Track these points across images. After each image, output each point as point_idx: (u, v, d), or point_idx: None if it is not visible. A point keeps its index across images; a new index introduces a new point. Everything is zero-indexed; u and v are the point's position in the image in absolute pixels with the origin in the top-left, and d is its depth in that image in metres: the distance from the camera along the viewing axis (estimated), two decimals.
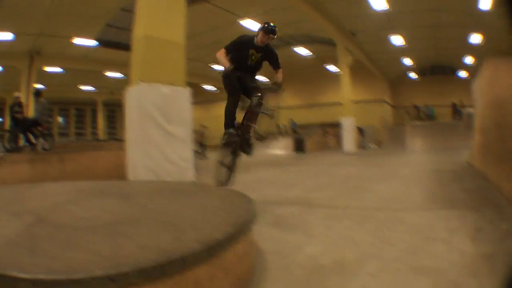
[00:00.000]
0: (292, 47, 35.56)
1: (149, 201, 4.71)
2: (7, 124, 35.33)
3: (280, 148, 30.34)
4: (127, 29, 24.57)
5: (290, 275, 3.85)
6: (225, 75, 7.16)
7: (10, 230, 3.35)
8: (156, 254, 2.66)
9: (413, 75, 42.56)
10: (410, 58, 36.92)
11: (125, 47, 26.21)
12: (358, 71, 31.08)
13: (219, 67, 35.65)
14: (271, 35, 7.15)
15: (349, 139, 28.66)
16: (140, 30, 9.55)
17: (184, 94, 9.60)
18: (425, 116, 40.90)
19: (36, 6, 21.41)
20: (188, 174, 9.23)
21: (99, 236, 3.15)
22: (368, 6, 23.84)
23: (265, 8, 25.73)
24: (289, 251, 4.47)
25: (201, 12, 21.74)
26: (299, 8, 24.28)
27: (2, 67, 30.43)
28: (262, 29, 7.14)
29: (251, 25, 28.27)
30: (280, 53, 24.46)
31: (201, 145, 27.39)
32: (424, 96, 41.37)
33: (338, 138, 30.40)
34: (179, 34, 9.84)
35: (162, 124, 8.92)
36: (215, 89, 42.74)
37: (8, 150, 12.92)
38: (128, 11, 23.04)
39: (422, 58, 36.41)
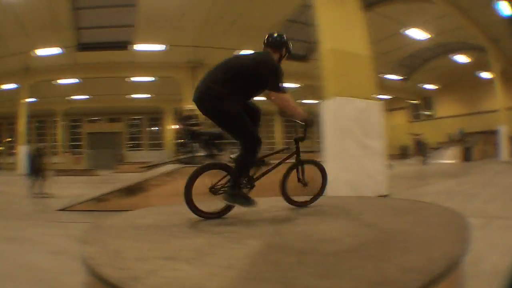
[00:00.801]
0: (450, 55, 33.02)
1: (378, 220, 4.29)
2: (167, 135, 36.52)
3: (450, 158, 28.75)
4: (297, 39, 24.70)
5: (481, 282, 4.05)
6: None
7: (239, 260, 2.90)
8: (420, 276, 2.39)
9: None
10: None
11: (297, 57, 26.82)
12: (509, 77, 28.59)
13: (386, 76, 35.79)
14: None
15: (505, 147, 27.01)
16: (326, 44, 9.25)
17: (377, 107, 9.25)
18: None
19: (192, 19, 22.00)
20: (382, 187, 8.74)
21: (354, 260, 2.78)
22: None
23: (430, 16, 24.64)
24: (477, 261, 4.63)
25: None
26: (453, 16, 23.08)
27: (156, 77, 31.15)
28: (290, 50, 5.28)
29: (416, 34, 27.36)
30: (439, 62, 23.29)
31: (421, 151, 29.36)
32: None
33: (494, 146, 28.79)
34: (364, 47, 9.49)
35: (360, 137, 8.59)
36: (390, 97, 41.16)
37: (183, 163, 12.44)
38: (295, 21, 23.20)
39: None
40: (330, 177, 8.22)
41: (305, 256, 2.88)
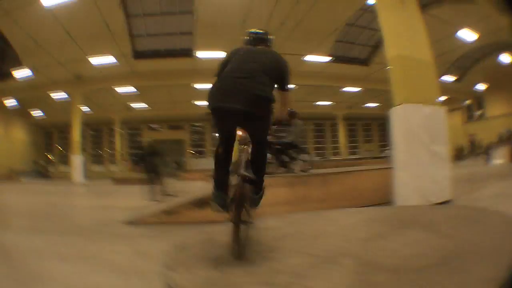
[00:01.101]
0: (498, 54, 32.57)
1: (450, 231, 4.46)
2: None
3: (499, 158, 28.11)
4: (357, 43, 25.21)
5: None
6: None
7: (337, 280, 3.04)
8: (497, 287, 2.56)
9: None
10: None
11: (359, 61, 26.96)
12: None
13: None
14: None
15: None
16: (392, 50, 9.31)
17: (442, 112, 9.26)
18: None
19: (253, 26, 20.92)
20: (447, 192, 8.71)
21: (441, 275, 3.00)
22: None
23: (478, 16, 23.68)
24: None
25: None
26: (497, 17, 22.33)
27: None
28: None
29: (466, 35, 26.68)
30: (488, 62, 23.41)
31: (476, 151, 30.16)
32: None
33: None
34: (427, 52, 9.47)
35: (427, 144, 8.62)
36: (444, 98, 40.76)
37: None
38: (353, 25, 23.09)
39: None
40: (399, 183, 8.40)
41: (399, 274, 3.02)
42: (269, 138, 13.65)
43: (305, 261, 3.54)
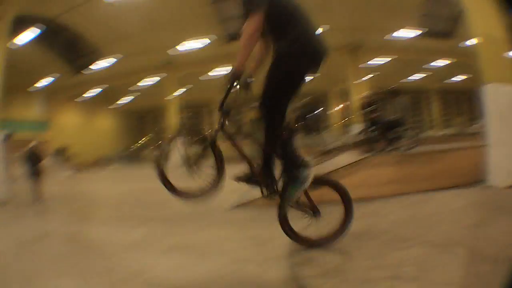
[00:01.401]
0: None
1: None
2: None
3: None
4: (443, 17, 25.03)
5: None
6: None
7: (455, 274, 3.20)
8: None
9: None
10: None
11: (447, 34, 26.70)
12: None
13: None
14: None
15: None
16: (476, 27, 9.47)
17: None
18: None
19: (342, 1, 21.68)
20: None
21: None
22: None
23: None
24: None
25: None
26: None
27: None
28: None
29: None
30: None
31: None
32: None
33: None
34: (504, 29, 9.11)
35: None
36: None
37: (366, 151, 13.04)
38: None
39: None
40: (493, 164, 8.49)
41: (499, 265, 3.16)
42: (374, 116, 13.66)
43: (425, 251, 3.72)
